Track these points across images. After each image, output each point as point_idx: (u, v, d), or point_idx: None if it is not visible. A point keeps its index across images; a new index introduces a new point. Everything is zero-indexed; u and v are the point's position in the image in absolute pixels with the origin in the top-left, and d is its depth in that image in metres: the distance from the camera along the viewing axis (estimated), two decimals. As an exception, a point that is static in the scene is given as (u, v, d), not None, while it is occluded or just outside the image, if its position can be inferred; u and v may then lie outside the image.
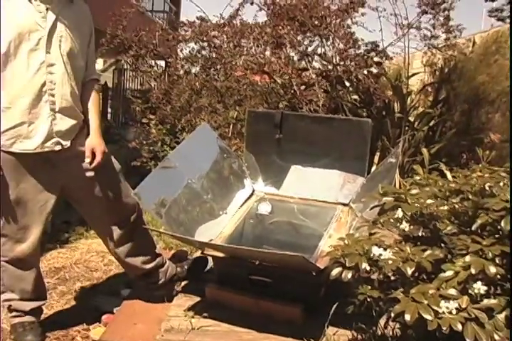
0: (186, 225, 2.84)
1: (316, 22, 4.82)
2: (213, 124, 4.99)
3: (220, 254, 2.66)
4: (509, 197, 1.66)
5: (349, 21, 4.88)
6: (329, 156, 3.21)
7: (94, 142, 2.49)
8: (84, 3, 2.59)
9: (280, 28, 4.82)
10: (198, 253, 3.03)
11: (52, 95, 2.37)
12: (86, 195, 2.56)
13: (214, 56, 5.18)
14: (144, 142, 5.42)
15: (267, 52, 4.97)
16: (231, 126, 5.07)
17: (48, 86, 2.36)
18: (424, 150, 4.72)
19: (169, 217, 2.77)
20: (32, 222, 2.46)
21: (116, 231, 2.66)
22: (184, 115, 5.19)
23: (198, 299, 2.75)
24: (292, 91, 4.92)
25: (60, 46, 2.38)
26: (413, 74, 5.28)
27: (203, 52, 5.23)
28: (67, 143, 2.43)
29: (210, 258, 2.95)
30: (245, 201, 3.23)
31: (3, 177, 2.36)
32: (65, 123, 2.42)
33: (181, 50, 5.43)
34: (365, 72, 4.92)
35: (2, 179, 2.36)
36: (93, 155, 2.47)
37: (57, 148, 2.41)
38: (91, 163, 2.46)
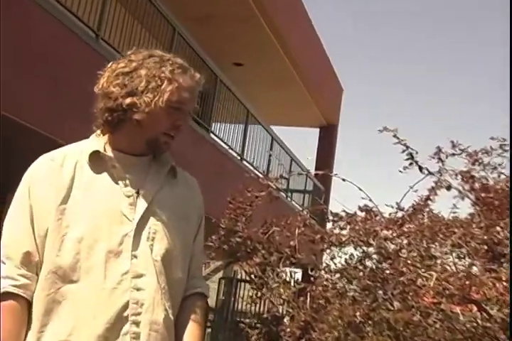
0: None
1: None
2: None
3: None
4: None
5: None
6: None
7: None
8: (191, 178, 2.00)
9: (498, 228, 3.27)
10: None
11: (137, 324, 1.67)
12: None
13: (386, 270, 3.56)
14: None
15: (475, 267, 3.37)
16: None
17: (131, 309, 1.67)
18: None
19: None
20: None
21: None
22: (335, 363, 3.40)
23: None
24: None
25: (151, 248, 1.74)
26: None
27: (368, 263, 3.66)
28: None
29: None
30: None
31: None
32: None
33: (332, 258, 3.80)
34: None
35: None
36: None
37: None
38: None
